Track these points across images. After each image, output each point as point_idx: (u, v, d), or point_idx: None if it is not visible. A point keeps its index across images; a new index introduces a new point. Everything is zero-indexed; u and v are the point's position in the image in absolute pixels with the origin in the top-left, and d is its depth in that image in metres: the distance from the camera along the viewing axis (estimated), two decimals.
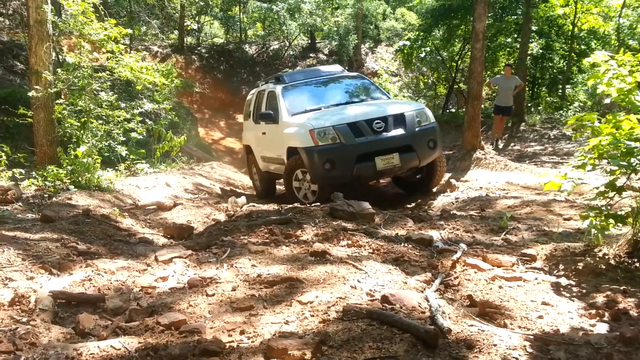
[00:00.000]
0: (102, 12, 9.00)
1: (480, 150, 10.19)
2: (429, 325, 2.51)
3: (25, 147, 9.08)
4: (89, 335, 2.69)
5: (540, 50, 17.73)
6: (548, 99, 18.98)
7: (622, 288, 2.99)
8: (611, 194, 3.38)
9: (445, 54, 19.32)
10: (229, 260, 3.81)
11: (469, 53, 12.21)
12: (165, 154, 11.02)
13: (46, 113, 7.88)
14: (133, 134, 9.21)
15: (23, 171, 7.59)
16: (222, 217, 6.51)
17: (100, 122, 8.19)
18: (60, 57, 10.88)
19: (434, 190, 8.11)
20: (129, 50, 13.71)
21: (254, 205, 7.25)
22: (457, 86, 19.30)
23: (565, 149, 12.34)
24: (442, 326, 2.48)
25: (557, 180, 3.42)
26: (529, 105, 17.78)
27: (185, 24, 22.31)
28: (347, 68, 13.80)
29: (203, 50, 23.19)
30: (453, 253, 3.81)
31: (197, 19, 23.64)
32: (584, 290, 3.06)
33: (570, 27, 17.49)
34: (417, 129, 7.12)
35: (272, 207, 6.78)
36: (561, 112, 16.58)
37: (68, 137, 7.96)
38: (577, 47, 18.12)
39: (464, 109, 13.36)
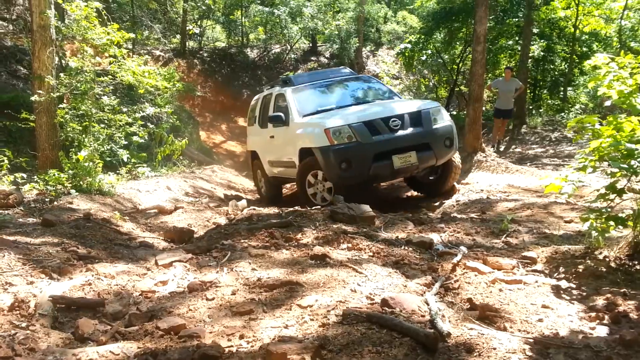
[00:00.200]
0: (105, 17, 9.04)
1: (481, 152, 10.20)
2: (429, 328, 2.51)
3: (27, 151, 9.10)
4: (88, 340, 2.69)
5: (542, 53, 17.73)
6: (549, 101, 18.97)
7: (622, 291, 2.98)
8: (612, 196, 3.37)
9: (447, 56, 19.34)
10: (229, 264, 3.81)
11: (470, 56, 12.22)
12: (167, 158, 11.04)
13: (48, 117, 7.92)
14: (135, 138, 9.22)
15: (25, 175, 7.61)
16: (222, 220, 6.51)
17: (102, 126, 8.21)
18: (63, 61, 10.94)
19: (448, 189, 7.97)
20: (131, 54, 13.75)
21: (254, 209, 7.25)
22: (458, 89, 19.31)
23: (566, 151, 12.32)
24: (442, 330, 2.48)
25: (558, 183, 3.42)
26: (530, 107, 17.78)
27: (187, 28, 22.37)
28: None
29: (205, 54, 23.25)
30: (453, 256, 3.80)
31: (199, 23, 23.71)
32: (584, 293, 3.06)
33: (572, 29, 17.49)
34: (434, 127, 7.00)
35: (272, 210, 6.77)
36: (562, 114, 16.57)
37: (70, 141, 7.98)
38: (579, 49, 18.11)
39: (465, 112, 13.35)
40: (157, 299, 3.26)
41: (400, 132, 6.80)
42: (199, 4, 20.96)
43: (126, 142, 9.15)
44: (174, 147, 10.61)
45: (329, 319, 2.66)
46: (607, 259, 3.39)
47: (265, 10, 21.66)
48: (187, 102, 19.17)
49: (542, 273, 3.48)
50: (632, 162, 3.13)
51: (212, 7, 22.21)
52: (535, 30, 17.10)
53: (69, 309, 3.11)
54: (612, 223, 3.34)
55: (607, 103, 3.92)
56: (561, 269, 3.44)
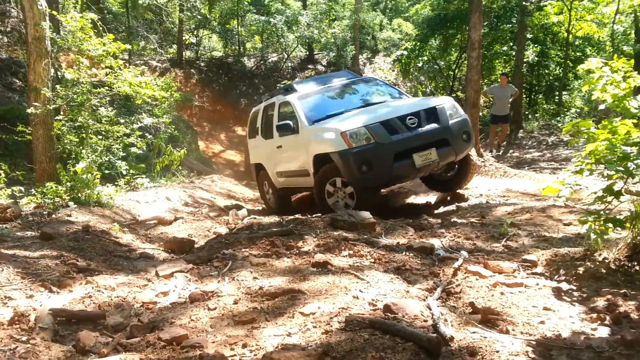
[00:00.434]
0: (101, 28, 9.08)
1: (480, 157, 10.23)
2: (432, 333, 2.51)
3: (24, 164, 9.10)
4: (90, 353, 2.68)
5: (536, 58, 17.87)
6: (545, 105, 19.08)
7: (622, 291, 2.99)
8: (609, 199, 3.38)
9: (442, 63, 19.47)
10: (230, 273, 3.80)
11: (466, 62, 12.29)
12: (166, 168, 11.04)
13: (45, 129, 7.90)
14: (133, 149, 9.23)
15: (22, 188, 7.60)
16: (223, 230, 6.51)
17: (100, 137, 8.21)
18: (59, 73, 10.95)
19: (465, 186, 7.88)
20: (127, 65, 13.79)
21: (254, 218, 7.25)
22: (454, 94, 19.42)
23: (563, 154, 12.37)
24: (445, 334, 2.48)
25: (556, 186, 3.44)
26: (527, 112, 17.86)
27: (183, 38, 22.45)
28: None
29: (202, 64, 23.33)
30: (454, 261, 3.81)
31: (195, 33, 23.80)
32: (585, 295, 3.06)
33: (565, 34, 17.63)
34: (451, 122, 6.83)
35: (273, 219, 6.77)
36: (558, 118, 16.67)
37: (67, 154, 7.97)
38: (573, 53, 18.26)
39: None
40: (159, 310, 3.25)
41: (419, 130, 6.63)
42: (194, 14, 21.04)
43: (124, 153, 9.16)
44: (173, 157, 10.59)
45: (331, 326, 2.66)
46: (607, 261, 3.40)
47: (262, 19, 21.78)
48: (185, 112, 19.21)
49: (543, 276, 3.48)
50: (628, 164, 3.14)
51: (208, 16, 22.31)
52: (529, 36, 17.24)
53: (69, 322, 3.10)
54: (610, 225, 3.35)
55: (602, 106, 3.95)
56: (561, 271, 3.44)
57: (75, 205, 6.80)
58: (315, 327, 2.69)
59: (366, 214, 5.39)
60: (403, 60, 19.07)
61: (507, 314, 2.81)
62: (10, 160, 9.07)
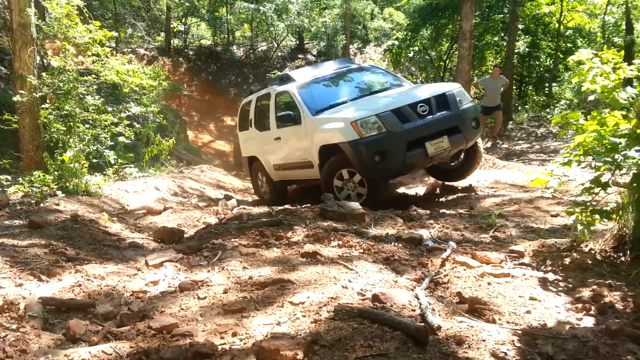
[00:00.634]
0: (87, 15, 8.94)
1: None
2: (420, 322, 2.54)
3: (11, 153, 8.99)
4: (80, 341, 2.68)
5: (527, 49, 17.92)
6: (535, 97, 19.18)
7: (607, 282, 3.04)
8: (596, 190, 3.42)
9: (433, 53, 19.47)
10: (220, 263, 3.81)
11: (457, 52, 12.31)
12: (154, 158, 10.98)
13: (32, 118, 7.82)
14: (121, 138, 9.15)
15: (9, 177, 7.53)
16: (212, 220, 6.50)
17: (87, 126, 8.12)
18: (44, 60, 10.82)
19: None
20: (114, 53, 13.62)
21: (244, 208, 7.24)
22: None
23: (552, 146, 12.48)
24: (432, 323, 2.51)
25: (544, 178, 3.47)
26: (516, 104, 17.95)
27: (171, 25, 22.20)
28: None
29: (190, 53, 23.11)
30: (442, 251, 3.84)
31: (183, 21, 23.54)
32: (571, 285, 3.11)
33: (556, 25, 17.70)
34: (461, 109, 6.70)
35: (262, 209, 6.77)
36: (548, 110, 16.77)
37: (54, 142, 7.88)
38: (563, 44, 18.35)
39: None
40: (149, 299, 3.25)
41: (430, 118, 6.48)
42: (182, 1, 20.77)
43: (112, 143, 9.07)
44: (162, 147, 10.53)
45: (320, 315, 2.68)
46: (593, 252, 3.45)
47: (251, 7, 21.56)
48: (173, 101, 19.05)
49: (530, 266, 3.53)
50: (616, 156, 3.18)
51: (197, 3, 22.03)
52: (520, 26, 17.27)
53: (59, 311, 3.09)
54: (597, 216, 3.40)
55: (591, 98, 3.98)
56: (548, 262, 3.49)
57: (63, 195, 6.75)
58: (304, 316, 2.70)
59: (356, 205, 5.40)
60: (394, 51, 19.04)
61: (493, 304, 2.85)
62: None
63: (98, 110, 8.37)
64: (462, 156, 7.45)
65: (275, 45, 23.85)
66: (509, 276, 3.26)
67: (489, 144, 13.78)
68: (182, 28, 23.34)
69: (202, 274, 3.57)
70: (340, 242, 4.17)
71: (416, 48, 18.98)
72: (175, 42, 23.32)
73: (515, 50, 16.75)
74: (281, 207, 6.17)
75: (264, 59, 23.67)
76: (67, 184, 7.01)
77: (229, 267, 3.65)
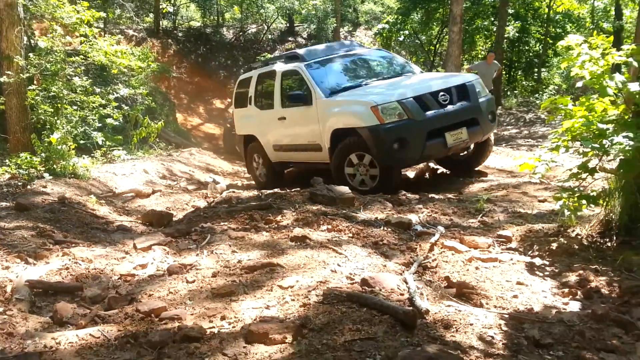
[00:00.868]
0: None
1: None
2: (408, 306, 2.56)
3: None
4: (67, 324, 2.68)
5: (517, 34, 17.90)
6: (524, 82, 19.22)
7: (593, 267, 3.08)
8: (584, 176, 3.45)
9: (424, 37, 19.40)
10: (209, 246, 3.80)
11: (447, 36, 12.25)
12: (143, 140, 10.87)
13: (18, 99, 7.72)
14: (109, 120, 9.05)
15: None
16: (201, 203, 6.48)
17: (75, 108, 8.02)
18: (32, 41, 10.62)
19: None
20: (103, 34, 13.39)
21: (233, 191, 7.22)
22: (435, 70, 19.42)
23: (540, 131, 12.54)
24: (420, 307, 2.53)
25: (532, 163, 3.48)
26: (505, 89, 17.99)
27: (160, 6, 21.83)
28: None
29: (180, 34, 22.79)
30: (431, 236, 3.86)
31: (173, 2, 23.17)
32: (557, 270, 3.15)
33: (546, 10, 17.67)
34: (480, 101, 6.60)
35: (252, 193, 6.75)
36: (537, 95, 16.83)
37: (42, 124, 7.79)
38: (553, 30, 18.36)
39: None
40: (137, 282, 3.25)
41: (450, 107, 6.33)
42: None
43: (100, 124, 8.98)
44: (150, 129, 10.43)
45: (309, 299, 2.69)
46: (579, 237, 3.49)
47: None
48: (162, 83, 18.82)
49: (517, 251, 3.56)
50: (604, 141, 3.19)
51: None
52: (510, 11, 17.22)
53: (46, 294, 3.08)
54: (584, 202, 3.43)
55: (579, 84, 3.98)
56: (535, 247, 3.52)
57: (51, 177, 6.68)
58: (293, 300, 2.71)
59: (345, 189, 5.40)
60: (384, 34, 18.95)
61: (481, 288, 2.87)
62: None
63: (86, 92, 8.26)
64: (471, 147, 7.31)
65: (266, 27, 23.58)
66: (496, 261, 3.30)
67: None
68: (171, 9, 22.97)
69: (190, 258, 3.56)
70: (330, 226, 4.18)
71: (406, 32, 18.90)
72: (165, 23, 22.97)
73: (505, 35, 16.72)
74: (270, 191, 6.15)
75: (253, 42, 23.42)
76: (55, 166, 6.94)
77: (217, 251, 3.64)
